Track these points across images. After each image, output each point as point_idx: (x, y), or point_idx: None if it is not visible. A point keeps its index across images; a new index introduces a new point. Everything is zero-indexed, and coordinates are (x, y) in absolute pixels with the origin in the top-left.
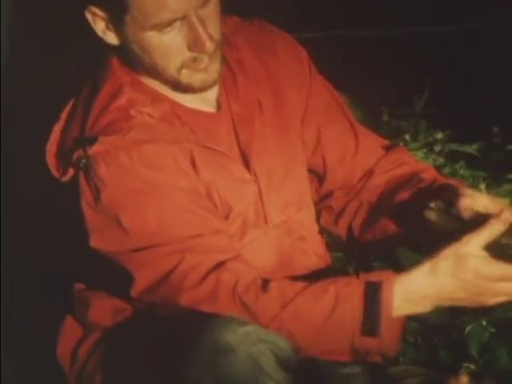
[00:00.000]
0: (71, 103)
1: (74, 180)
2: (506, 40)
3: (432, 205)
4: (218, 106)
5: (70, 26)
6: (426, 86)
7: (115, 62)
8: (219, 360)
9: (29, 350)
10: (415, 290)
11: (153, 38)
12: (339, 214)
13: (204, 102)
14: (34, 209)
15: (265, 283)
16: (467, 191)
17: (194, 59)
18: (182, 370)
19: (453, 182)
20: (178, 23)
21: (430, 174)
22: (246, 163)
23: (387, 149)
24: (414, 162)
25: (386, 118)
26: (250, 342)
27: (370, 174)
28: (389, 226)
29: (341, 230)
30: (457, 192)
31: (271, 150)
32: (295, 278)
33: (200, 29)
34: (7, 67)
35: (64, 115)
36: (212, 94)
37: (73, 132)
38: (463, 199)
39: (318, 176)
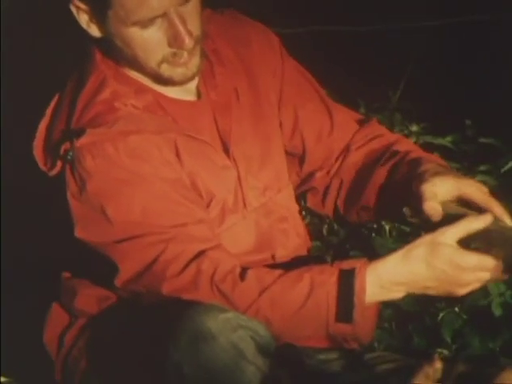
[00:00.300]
0: (56, 99)
1: (62, 173)
2: (479, 36)
3: (404, 210)
4: (199, 94)
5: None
6: (400, 80)
7: (98, 55)
8: (200, 346)
9: (16, 335)
10: (388, 277)
11: (134, 33)
12: (324, 195)
13: (185, 92)
14: (22, 201)
15: (243, 271)
16: (430, 193)
17: (174, 54)
18: (164, 355)
19: (422, 158)
20: (159, 20)
21: (401, 146)
22: (226, 150)
23: (361, 122)
24: (387, 134)
25: (362, 110)
26: (230, 328)
27: (346, 151)
28: (370, 202)
29: (328, 209)
30: (421, 197)
31: (249, 136)
32: (276, 258)
33: (180, 26)
34: None
35: (49, 111)
36: (192, 83)
37: (59, 126)
38: (427, 206)
39: (297, 158)
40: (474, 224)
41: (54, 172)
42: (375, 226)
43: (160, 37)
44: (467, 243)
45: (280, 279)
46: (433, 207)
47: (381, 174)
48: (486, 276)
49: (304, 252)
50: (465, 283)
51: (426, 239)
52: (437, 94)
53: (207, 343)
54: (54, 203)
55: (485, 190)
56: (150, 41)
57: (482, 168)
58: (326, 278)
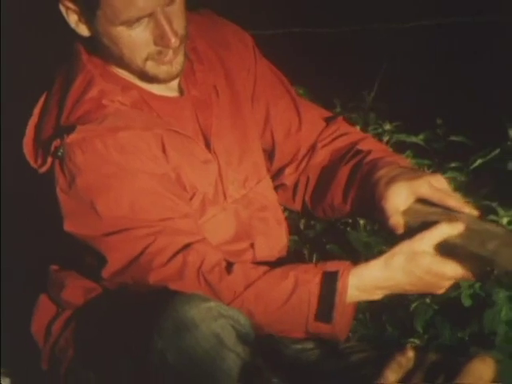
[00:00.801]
0: (43, 98)
1: (51, 169)
2: (448, 38)
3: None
4: (181, 91)
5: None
6: (374, 81)
7: (85, 55)
8: (183, 334)
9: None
10: (369, 282)
11: (122, 32)
12: (293, 191)
13: (168, 89)
14: (11, 197)
15: (229, 265)
16: (392, 209)
17: (159, 52)
18: (148, 343)
19: (383, 161)
20: (146, 19)
21: (364, 145)
22: (207, 144)
23: (328, 120)
24: (352, 132)
25: (338, 109)
26: (211, 317)
27: (313, 148)
28: (334, 200)
29: (297, 205)
30: (384, 213)
31: (228, 130)
32: (255, 247)
33: (166, 26)
34: None
35: (37, 110)
36: (175, 80)
37: (49, 124)
38: (390, 222)
39: (268, 153)
40: (447, 230)
41: (44, 169)
42: (350, 220)
43: (146, 36)
44: (445, 249)
45: (265, 275)
46: (395, 223)
47: (343, 174)
48: (460, 279)
49: (285, 239)
50: (442, 287)
51: (404, 248)
52: (409, 94)
53: (190, 331)
54: (42, 199)
55: (437, 185)
56: (136, 39)
57: (453, 165)
58: (309, 278)
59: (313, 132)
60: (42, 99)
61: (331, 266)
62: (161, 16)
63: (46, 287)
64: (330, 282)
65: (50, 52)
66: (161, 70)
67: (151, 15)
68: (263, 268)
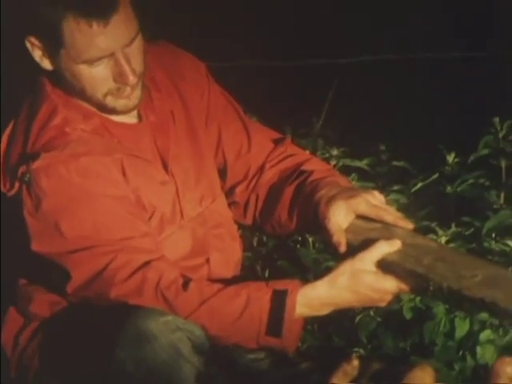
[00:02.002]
0: (10, 125)
1: (19, 193)
2: (391, 73)
3: None
4: (139, 117)
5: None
6: (322, 109)
7: (49, 86)
8: (142, 345)
9: None
10: (316, 300)
11: (83, 69)
12: (245, 208)
13: (127, 116)
14: None
15: (185, 282)
16: (335, 228)
17: (118, 88)
18: (109, 353)
19: (324, 181)
20: (106, 59)
21: (308, 166)
22: (165, 166)
23: (277, 141)
24: (298, 154)
25: (289, 135)
26: (169, 329)
27: (262, 168)
28: (281, 218)
29: (248, 221)
30: (328, 232)
31: (184, 153)
32: (211, 262)
33: (125, 65)
34: None
35: (4, 138)
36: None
37: (16, 151)
38: (333, 240)
39: (220, 173)
40: (385, 248)
41: (12, 192)
42: (300, 238)
43: (106, 73)
44: (385, 266)
45: (219, 293)
46: (337, 241)
47: (288, 193)
48: (401, 293)
49: (239, 254)
50: (384, 300)
51: (347, 267)
52: (355, 121)
53: (149, 343)
54: (11, 220)
55: (374, 201)
56: (97, 76)
57: (395, 188)
58: (261, 296)
59: (262, 153)
60: (9, 127)
61: (281, 285)
62: (120, 56)
63: (13, 301)
64: (279, 300)
65: (15, 81)
66: (119, 104)
67: (111, 55)
68: (218, 285)
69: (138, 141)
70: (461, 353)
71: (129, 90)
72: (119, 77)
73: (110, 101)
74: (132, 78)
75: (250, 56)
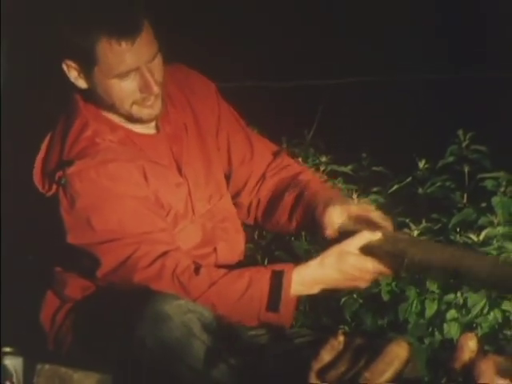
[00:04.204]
0: (48, 137)
1: (55, 194)
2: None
3: None
4: (157, 129)
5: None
6: (313, 123)
7: (81, 103)
8: (159, 324)
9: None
10: (308, 278)
11: (114, 84)
12: (248, 210)
13: (147, 127)
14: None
15: (197, 268)
16: (328, 223)
17: (143, 99)
18: (131, 331)
19: (320, 190)
20: (133, 73)
21: (305, 176)
22: (179, 170)
23: (275, 153)
24: (293, 164)
25: (284, 145)
26: (182, 311)
27: (263, 176)
28: (281, 219)
29: (250, 220)
30: (322, 226)
31: (195, 159)
32: (218, 251)
33: (149, 77)
34: None
35: (44, 146)
36: (153, 121)
37: (53, 158)
38: (327, 232)
39: (226, 177)
40: (368, 236)
41: (50, 193)
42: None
43: (134, 85)
44: (367, 250)
45: (226, 276)
46: (330, 233)
47: (289, 200)
48: (379, 273)
49: (242, 245)
50: (365, 281)
51: (335, 250)
52: (340, 133)
53: (165, 322)
54: (49, 219)
55: (364, 207)
56: (125, 89)
57: (375, 189)
58: (261, 276)
59: (263, 161)
60: (47, 139)
61: (278, 267)
62: (144, 70)
63: (51, 285)
64: (277, 279)
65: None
66: (144, 113)
67: (137, 69)
68: (224, 270)
69: (156, 149)
70: (430, 329)
71: (152, 99)
72: (145, 88)
73: (136, 110)
74: (156, 88)
75: (252, 77)
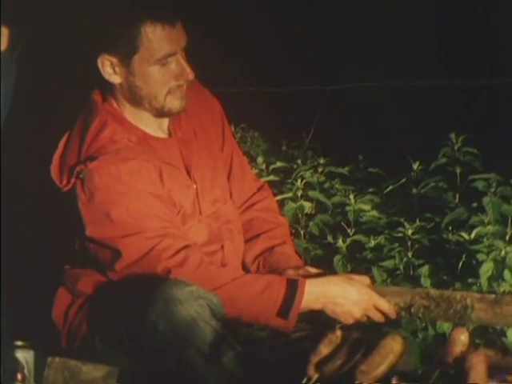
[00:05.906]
0: (66, 136)
1: (72, 189)
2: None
3: None
4: (170, 133)
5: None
6: (311, 127)
7: (100, 103)
8: (171, 309)
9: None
10: (315, 291)
11: (154, 70)
12: None
13: (161, 131)
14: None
15: (222, 263)
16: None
17: (178, 87)
18: (144, 316)
19: (291, 255)
20: (170, 59)
21: (281, 232)
22: (188, 173)
23: (259, 187)
24: (276, 213)
25: (284, 148)
26: (192, 297)
27: (246, 205)
28: (247, 256)
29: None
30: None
31: (203, 163)
32: (224, 248)
33: (185, 63)
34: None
35: (61, 144)
36: (165, 124)
37: (72, 155)
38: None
39: None
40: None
41: (67, 188)
42: (293, 230)
43: (171, 72)
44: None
45: (248, 274)
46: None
47: (259, 246)
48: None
49: (243, 245)
50: (360, 310)
51: (344, 274)
52: (338, 136)
53: (176, 307)
54: (64, 215)
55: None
56: (164, 75)
57: (371, 190)
58: (278, 282)
59: (249, 189)
60: (65, 137)
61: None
62: (180, 56)
63: (62, 281)
64: (292, 287)
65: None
66: (175, 104)
67: (174, 55)
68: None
69: (168, 151)
70: (423, 324)
71: (184, 88)
72: (180, 74)
73: (169, 101)
74: (191, 74)
75: (255, 84)
